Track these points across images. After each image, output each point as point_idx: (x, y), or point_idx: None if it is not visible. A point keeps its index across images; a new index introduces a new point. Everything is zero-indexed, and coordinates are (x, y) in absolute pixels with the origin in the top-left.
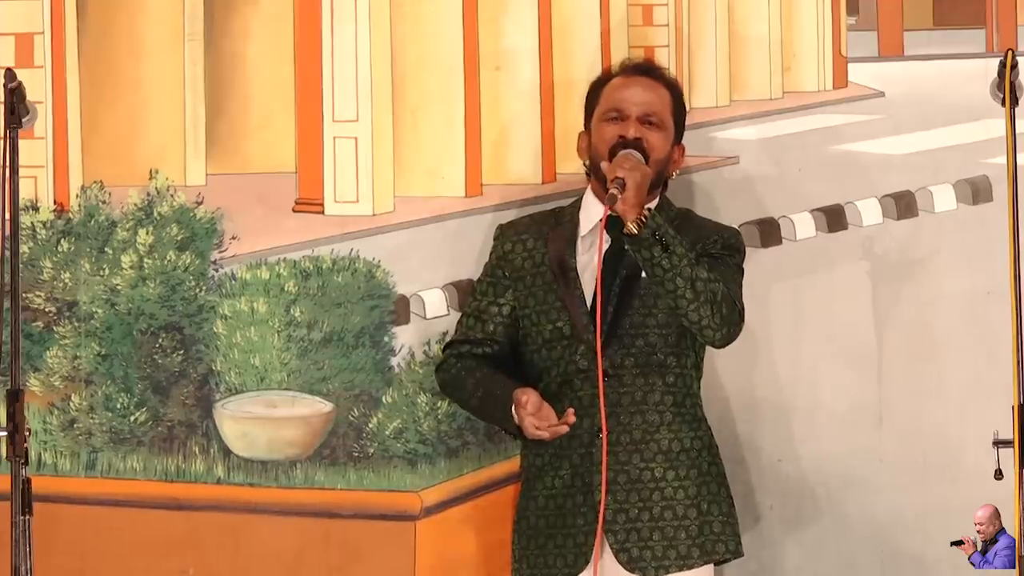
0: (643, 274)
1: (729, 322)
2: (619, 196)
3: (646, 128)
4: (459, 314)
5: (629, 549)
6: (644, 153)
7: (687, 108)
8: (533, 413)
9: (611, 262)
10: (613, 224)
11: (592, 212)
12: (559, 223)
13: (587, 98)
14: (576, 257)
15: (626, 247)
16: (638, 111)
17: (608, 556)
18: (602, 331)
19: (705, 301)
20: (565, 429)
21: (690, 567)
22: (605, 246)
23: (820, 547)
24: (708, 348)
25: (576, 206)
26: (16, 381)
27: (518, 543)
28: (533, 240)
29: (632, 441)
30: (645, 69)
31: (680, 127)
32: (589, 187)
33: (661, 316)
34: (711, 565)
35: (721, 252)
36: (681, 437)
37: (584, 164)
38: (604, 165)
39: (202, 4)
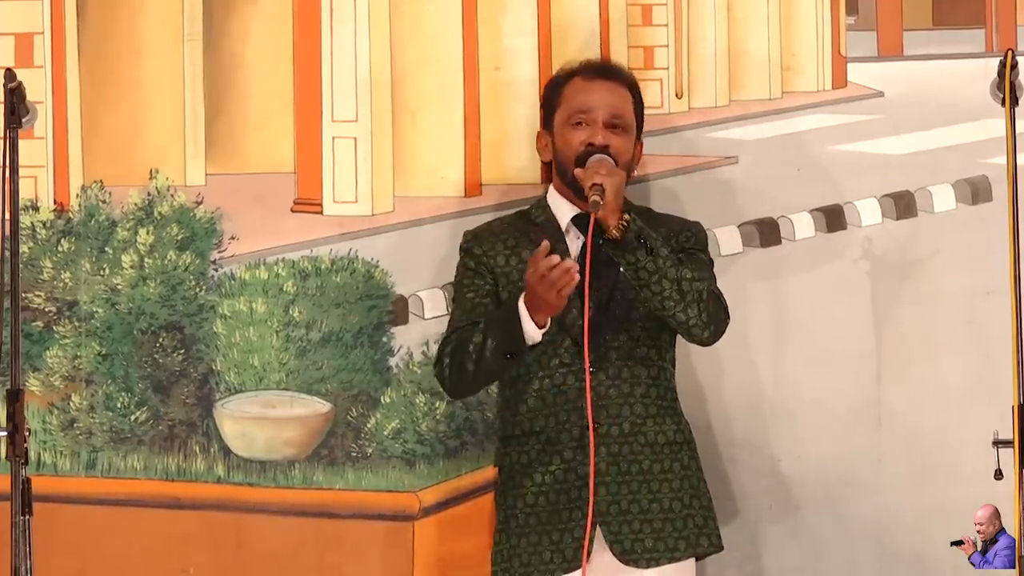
0: (622, 269)
1: (716, 320)
2: (601, 202)
3: (612, 133)
4: (451, 312)
5: (622, 541)
6: (612, 158)
7: (686, 109)
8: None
9: (593, 256)
10: (593, 226)
11: (562, 210)
12: (533, 223)
13: (546, 96)
14: (569, 254)
15: (604, 246)
16: (604, 115)
17: (602, 548)
18: (589, 325)
19: (692, 301)
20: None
21: (677, 560)
22: (583, 242)
23: (820, 547)
24: (681, 344)
25: (542, 205)
26: (16, 381)
27: (507, 542)
28: (514, 238)
29: (622, 433)
30: (605, 70)
31: (641, 124)
32: (551, 186)
33: (643, 309)
34: (693, 560)
35: (695, 248)
36: (665, 430)
37: (544, 163)
38: (578, 172)
39: (201, 5)
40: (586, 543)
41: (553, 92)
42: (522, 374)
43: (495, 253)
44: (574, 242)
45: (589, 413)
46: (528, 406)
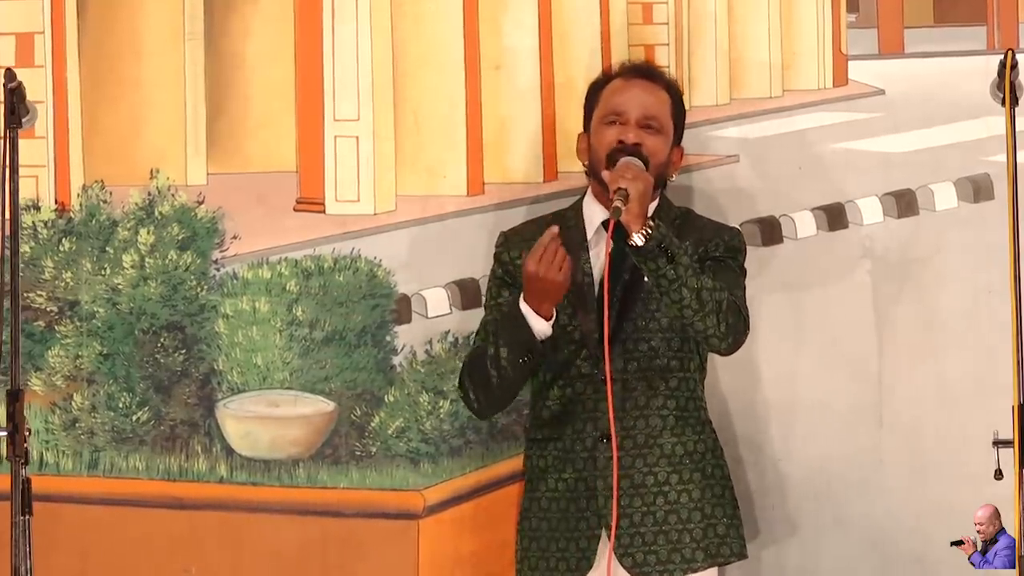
0: (646, 279)
1: (735, 331)
2: (623, 208)
3: (646, 132)
4: (461, 313)
5: (633, 553)
6: (643, 158)
7: (687, 107)
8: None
9: (614, 266)
10: (617, 231)
11: (594, 215)
12: (564, 227)
13: (586, 99)
14: (589, 261)
15: (631, 256)
16: (638, 114)
17: (613, 560)
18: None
19: (711, 311)
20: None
21: (695, 570)
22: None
23: (821, 547)
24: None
25: (577, 208)
26: (16, 381)
27: (520, 544)
28: None
29: (635, 446)
30: (644, 71)
31: (679, 129)
32: (589, 188)
33: (664, 320)
34: (715, 568)
35: (724, 255)
36: (684, 441)
37: (584, 165)
38: (606, 174)
39: (202, 3)
40: (610, 553)
41: (592, 94)
42: (545, 380)
43: (521, 261)
44: (601, 247)
45: (612, 426)
46: (550, 411)
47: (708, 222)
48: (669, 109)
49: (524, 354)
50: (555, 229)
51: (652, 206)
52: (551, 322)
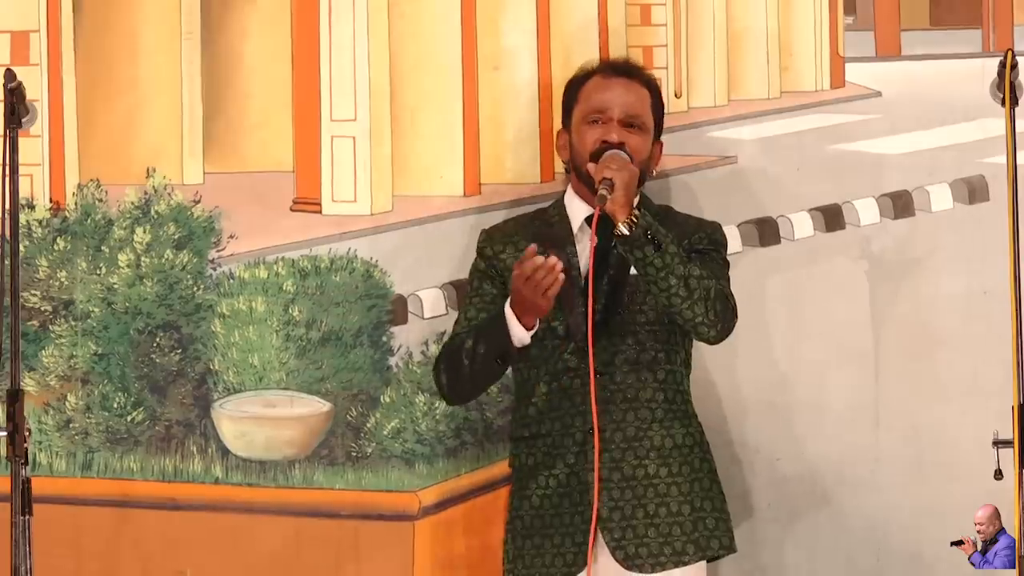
0: (631, 271)
1: (723, 319)
2: (609, 197)
3: (628, 132)
4: (457, 314)
5: (625, 547)
6: (627, 155)
7: (686, 109)
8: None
9: (599, 259)
10: (603, 224)
11: (576, 211)
12: (548, 224)
13: (565, 95)
14: (577, 255)
15: (616, 246)
16: (620, 113)
17: (605, 554)
18: (592, 329)
19: (699, 299)
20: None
21: (685, 563)
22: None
23: (817, 546)
24: (696, 343)
25: (559, 205)
26: (16, 381)
27: (512, 543)
28: (525, 242)
29: (625, 439)
30: (624, 69)
31: (659, 125)
32: (570, 186)
33: (651, 313)
34: (704, 562)
35: (707, 247)
36: (673, 433)
37: (564, 163)
38: (591, 167)
39: (199, 2)
40: (590, 550)
41: (572, 91)
42: (531, 376)
43: (505, 256)
44: (586, 242)
45: (595, 419)
46: (536, 408)
47: (688, 217)
48: (649, 106)
49: (498, 355)
50: (560, 265)
51: (634, 202)
52: (532, 332)
